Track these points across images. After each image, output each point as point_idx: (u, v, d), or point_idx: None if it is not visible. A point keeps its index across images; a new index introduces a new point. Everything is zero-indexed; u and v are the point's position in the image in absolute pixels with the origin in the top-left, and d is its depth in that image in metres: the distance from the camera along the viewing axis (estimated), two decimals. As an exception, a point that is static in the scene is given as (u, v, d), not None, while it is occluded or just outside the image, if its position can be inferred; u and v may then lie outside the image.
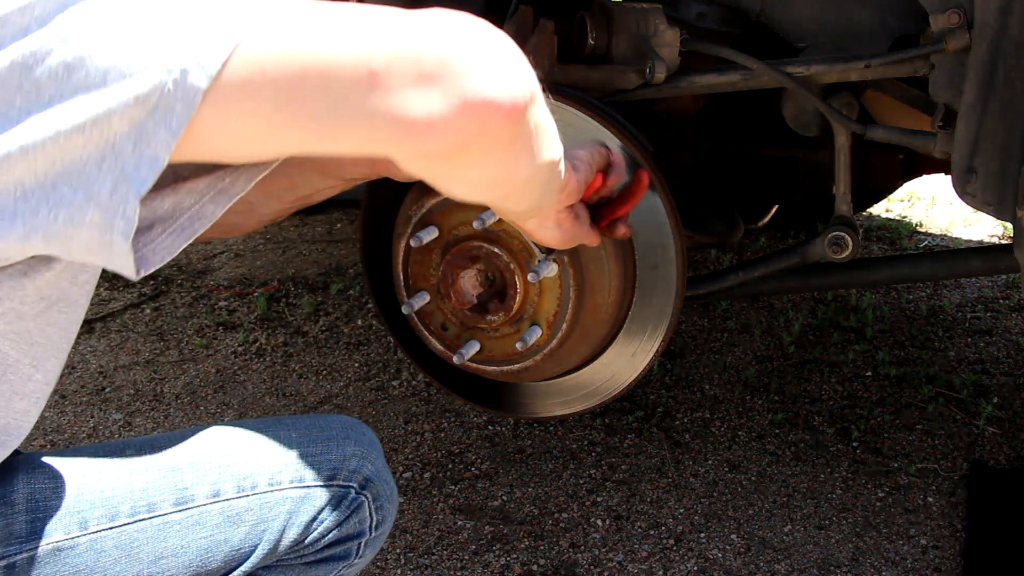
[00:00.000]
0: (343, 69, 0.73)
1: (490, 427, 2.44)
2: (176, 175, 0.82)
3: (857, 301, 3.03)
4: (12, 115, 0.73)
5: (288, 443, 1.13)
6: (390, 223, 1.59)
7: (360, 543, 1.16)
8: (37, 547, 1.00)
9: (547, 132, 0.90)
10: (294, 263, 3.50)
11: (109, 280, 3.36)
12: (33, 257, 0.86)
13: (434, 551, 2.00)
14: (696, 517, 2.08)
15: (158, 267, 0.81)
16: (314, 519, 1.11)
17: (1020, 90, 1.47)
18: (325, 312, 3.10)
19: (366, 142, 0.78)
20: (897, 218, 3.79)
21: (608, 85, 1.68)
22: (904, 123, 1.80)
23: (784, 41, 1.75)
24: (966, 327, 2.88)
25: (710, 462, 2.27)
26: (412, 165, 0.82)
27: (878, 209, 3.84)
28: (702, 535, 2.03)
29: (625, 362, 1.62)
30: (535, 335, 1.48)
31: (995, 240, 3.56)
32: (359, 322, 3.02)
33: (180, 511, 1.06)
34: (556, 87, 1.52)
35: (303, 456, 1.12)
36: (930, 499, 2.12)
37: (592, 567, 1.94)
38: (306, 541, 1.12)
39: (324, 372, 2.74)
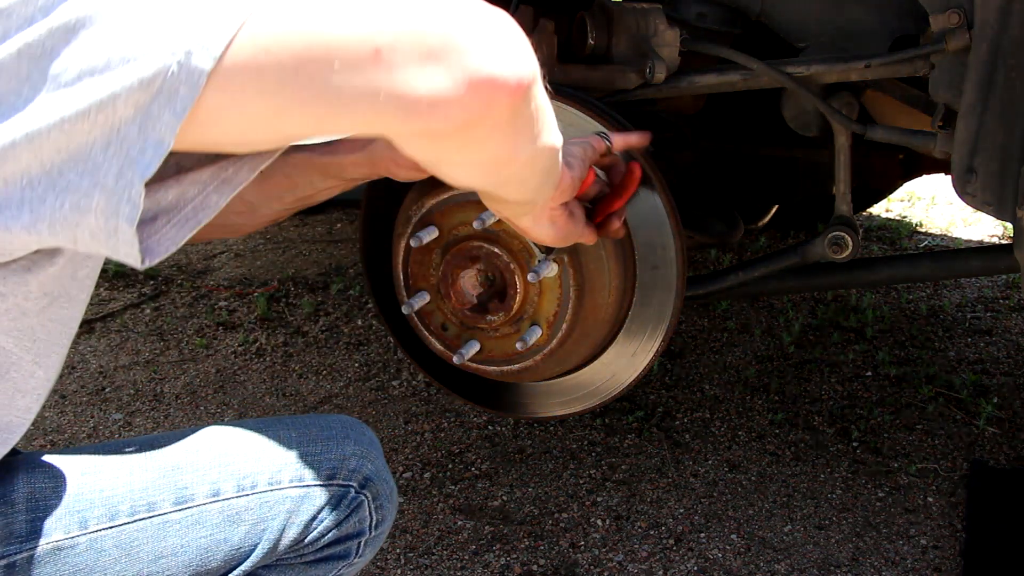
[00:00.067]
0: (347, 48, 0.73)
1: (490, 427, 2.44)
2: (179, 167, 0.82)
3: (857, 301, 3.03)
4: (19, 104, 0.73)
5: (288, 442, 1.13)
6: (390, 223, 1.59)
7: (360, 542, 1.16)
8: (37, 546, 1.00)
9: (547, 117, 0.91)
10: (294, 263, 3.50)
11: (109, 280, 3.36)
12: (37, 252, 0.86)
13: (434, 551, 2.00)
14: (696, 517, 2.08)
15: (163, 257, 0.81)
16: (314, 518, 1.11)
17: (1020, 90, 1.47)
18: (325, 312, 3.10)
19: (370, 122, 0.77)
20: (897, 218, 3.79)
21: (608, 85, 1.68)
22: (904, 123, 1.80)
23: (784, 41, 1.75)
24: (966, 327, 2.88)
25: (710, 462, 2.27)
26: (415, 145, 0.82)
27: (878, 209, 3.84)
28: (702, 535, 2.03)
29: (625, 362, 1.62)
30: (535, 335, 1.48)
31: (995, 240, 3.56)
32: (359, 322, 3.02)
33: (180, 510, 1.06)
34: (556, 87, 1.52)
35: (303, 455, 1.12)
36: (930, 499, 2.12)
37: (592, 567, 1.94)
38: (306, 540, 1.12)
39: (324, 372, 2.74)
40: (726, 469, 2.24)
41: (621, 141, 1.33)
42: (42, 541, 1.00)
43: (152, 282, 3.37)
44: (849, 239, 1.75)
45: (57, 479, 1.04)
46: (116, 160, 0.73)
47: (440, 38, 0.75)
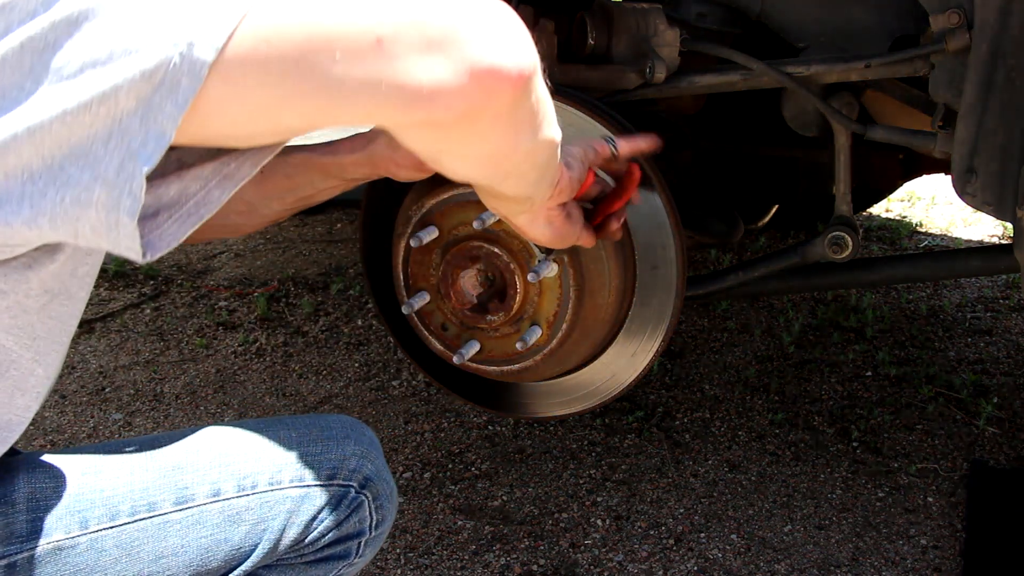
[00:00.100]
0: (349, 39, 0.73)
1: (490, 427, 2.44)
2: (180, 162, 0.82)
3: (857, 301, 3.03)
4: (21, 98, 0.73)
5: (288, 443, 1.13)
6: (390, 223, 1.59)
7: (360, 542, 1.16)
8: (38, 546, 1.00)
9: (548, 110, 0.91)
10: (294, 263, 3.50)
11: (109, 280, 3.36)
12: (37, 249, 0.86)
13: (434, 551, 2.00)
14: (696, 517, 2.08)
15: (164, 252, 0.80)
16: (314, 518, 1.11)
17: (1020, 90, 1.47)
18: (325, 312, 3.10)
19: (372, 112, 0.77)
20: (897, 218, 3.79)
21: (608, 85, 1.68)
22: (904, 123, 1.80)
23: (784, 41, 1.75)
24: (966, 327, 2.88)
25: (710, 462, 2.27)
26: (416, 137, 0.82)
27: (878, 209, 3.84)
28: (702, 535, 2.03)
29: (625, 362, 1.62)
30: (535, 335, 1.48)
31: (995, 240, 3.56)
32: (359, 322, 3.02)
33: (180, 510, 1.06)
34: (556, 87, 1.52)
35: (303, 456, 1.12)
36: (930, 499, 2.12)
37: (592, 567, 1.94)
38: (306, 540, 1.12)
39: (324, 372, 2.74)
40: (726, 469, 2.24)
41: (628, 147, 1.31)
42: (43, 541, 1.00)
43: (152, 282, 3.37)
44: (849, 239, 1.75)
45: (58, 479, 1.04)
46: (117, 153, 0.73)
47: (441, 28, 0.75)
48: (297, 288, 3.28)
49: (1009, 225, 2.24)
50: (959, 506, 2.08)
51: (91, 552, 1.02)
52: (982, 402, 2.43)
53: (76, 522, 1.02)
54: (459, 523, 2.08)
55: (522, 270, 1.45)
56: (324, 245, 3.66)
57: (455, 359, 1.50)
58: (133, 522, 1.04)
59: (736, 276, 1.88)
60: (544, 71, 0.88)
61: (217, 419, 2.52)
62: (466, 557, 1.98)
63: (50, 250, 0.88)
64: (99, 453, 1.09)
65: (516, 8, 1.75)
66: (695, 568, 1.93)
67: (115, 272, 3.42)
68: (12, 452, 1.09)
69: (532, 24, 1.65)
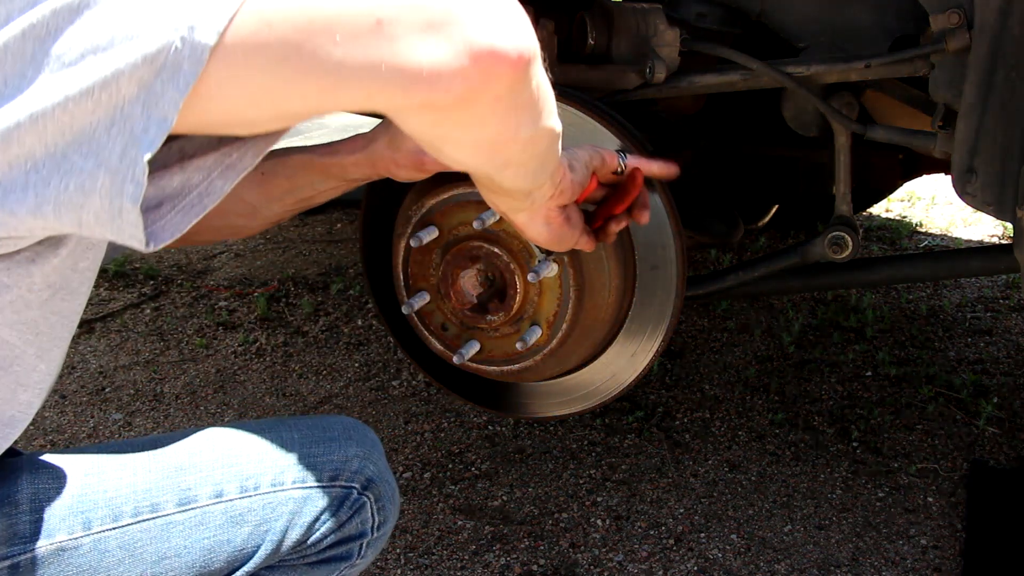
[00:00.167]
0: (349, 20, 0.74)
1: (490, 427, 2.44)
2: (183, 153, 0.83)
3: (857, 301, 3.03)
4: (24, 86, 0.73)
5: (290, 444, 1.13)
6: (390, 223, 1.59)
7: (362, 544, 1.16)
8: (41, 547, 1.00)
9: (548, 98, 0.90)
10: (294, 263, 3.51)
11: (109, 280, 3.36)
12: (40, 243, 0.86)
13: (434, 551, 2.00)
14: (696, 517, 2.08)
15: (168, 243, 0.80)
16: (316, 519, 1.11)
17: (1020, 90, 1.47)
18: (325, 312, 3.10)
19: (372, 95, 0.77)
20: (897, 218, 3.79)
21: (608, 85, 1.68)
22: (904, 123, 1.80)
23: (784, 41, 1.75)
24: (966, 327, 2.88)
25: (710, 462, 2.27)
26: (416, 121, 0.82)
27: (878, 209, 3.84)
28: (702, 535, 2.03)
29: (625, 362, 1.62)
30: (535, 335, 1.48)
31: (995, 240, 3.56)
32: (359, 322, 3.02)
33: (183, 511, 1.06)
34: (556, 87, 1.51)
35: (305, 457, 1.12)
36: (930, 499, 2.12)
37: (592, 567, 1.94)
38: (308, 541, 1.12)
39: (324, 372, 2.74)
40: (726, 469, 2.24)
41: (638, 166, 1.29)
42: (46, 542, 1.00)
43: (152, 282, 3.37)
44: (849, 239, 1.75)
45: (61, 480, 1.04)
46: (120, 139, 0.73)
47: (441, 10, 0.75)
48: (297, 288, 3.28)
49: (1009, 225, 2.24)
50: (959, 506, 2.08)
51: (94, 553, 1.02)
52: (982, 402, 2.43)
53: (79, 523, 1.02)
54: (459, 523, 2.08)
55: (522, 270, 1.45)
56: (324, 245, 3.66)
57: (455, 359, 1.50)
58: (136, 523, 1.04)
59: (736, 276, 1.88)
60: (544, 60, 0.88)
61: (217, 419, 2.53)
62: (466, 557, 1.98)
63: (53, 244, 0.88)
64: (102, 454, 1.09)
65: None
66: (695, 568, 1.93)
67: (115, 272, 3.42)
68: (14, 453, 1.09)
69: (532, 24, 1.65)
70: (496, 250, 1.44)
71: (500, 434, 2.41)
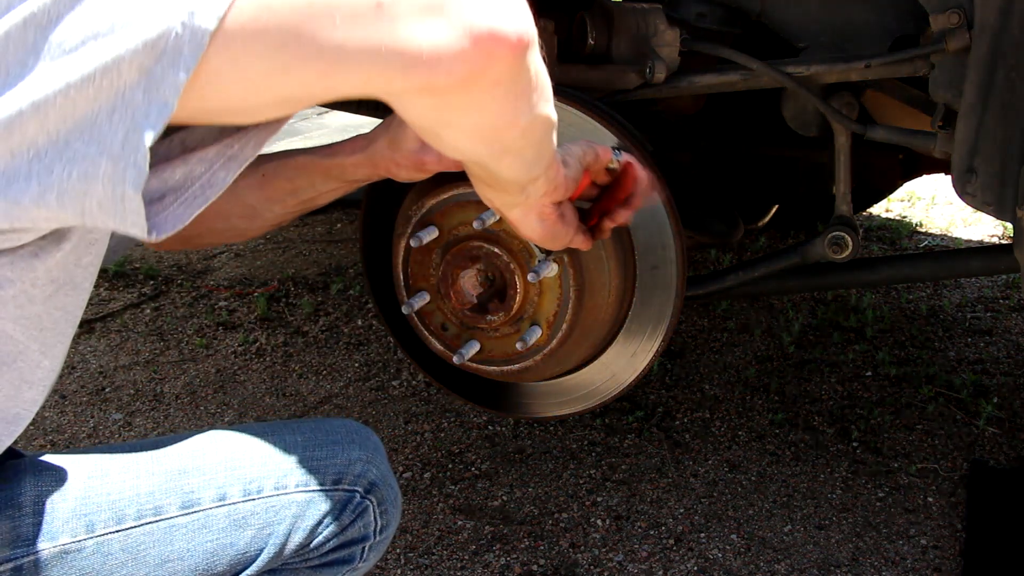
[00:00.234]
0: (349, 3, 0.74)
1: (490, 427, 2.44)
2: (184, 146, 0.83)
3: (857, 301, 3.03)
4: (25, 74, 0.73)
5: (293, 447, 1.13)
6: (390, 223, 1.59)
7: (364, 547, 1.16)
8: (44, 550, 1.00)
9: (546, 85, 0.91)
10: (294, 263, 3.51)
11: (109, 280, 3.36)
12: (44, 237, 0.86)
13: (434, 551, 2.00)
14: (696, 517, 2.08)
15: (170, 233, 0.80)
16: (319, 523, 1.11)
17: (1020, 90, 1.47)
18: (325, 312, 3.10)
19: (372, 78, 0.77)
20: (897, 218, 3.79)
21: (608, 85, 1.68)
22: (904, 123, 1.80)
23: (784, 41, 1.75)
24: (966, 327, 2.88)
25: (710, 462, 2.27)
26: (416, 105, 0.82)
27: (878, 209, 3.84)
28: (702, 535, 2.03)
29: (625, 362, 1.62)
30: (535, 335, 1.48)
31: (995, 240, 3.56)
32: (359, 322, 3.02)
33: (186, 514, 1.06)
34: (556, 87, 1.51)
35: (308, 460, 1.12)
36: (930, 499, 2.12)
37: (592, 567, 1.94)
38: (311, 545, 1.12)
39: (324, 372, 2.74)
40: (726, 469, 2.24)
41: (629, 166, 1.28)
42: (49, 544, 1.00)
43: (152, 282, 3.37)
44: (849, 239, 1.75)
45: (64, 482, 1.04)
46: (122, 126, 0.73)
47: None
48: (297, 288, 3.28)
49: (1009, 225, 2.24)
50: (959, 506, 2.08)
51: (97, 556, 1.02)
52: (982, 402, 2.43)
53: (82, 526, 1.02)
54: (459, 523, 2.08)
55: (522, 270, 1.44)
56: (324, 245, 3.66)
57: (455, 359, 1.50)
58: (139, 526, 1.04)
59: (736, 276, 1.88)
60: (542, 48, 0.88)
61: (217, 419, 2.53)
62: (466, 557, 1.98)
63: (56, 239, 0.88)
64: (105, 456, 1.09)
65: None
66: (695, 568, 1.93)
67: (115, 272, 3.41)
68: (16, 454, 1.09)
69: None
70: (496, 250, 1.44)
71: (500, 434, 2.41)
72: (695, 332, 2.89)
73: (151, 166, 0.79)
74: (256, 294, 3.23)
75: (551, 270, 1.42)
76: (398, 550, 2.00)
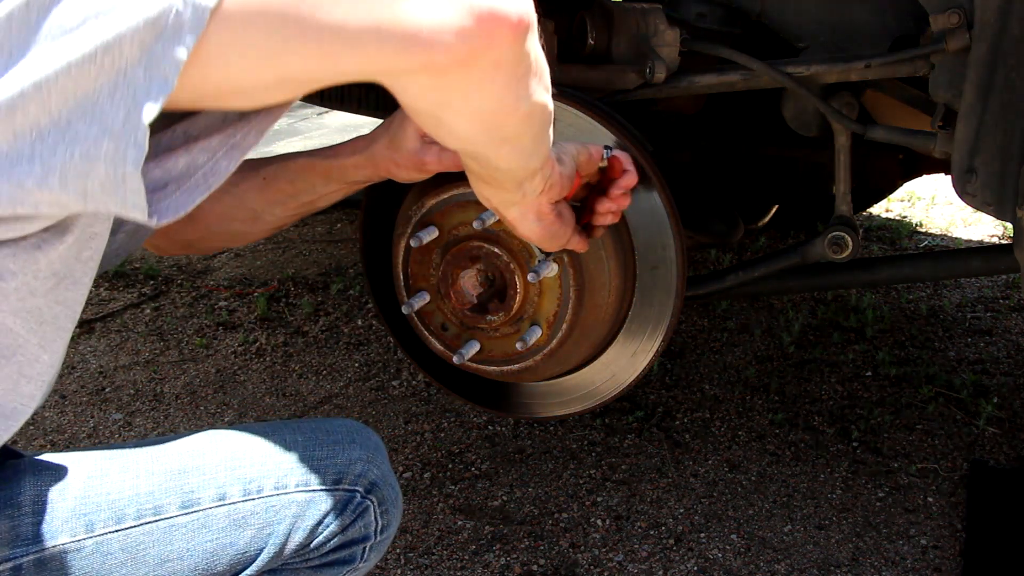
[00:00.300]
0: None
1: (490, 427, 2.44)
2: (187, 135, 0.83)
3: (857, 301, 3.03)
4: (28, 54, 0.73)
5: (294, 447, 1.13)
6: (390, 223, 1.59)
7: (365, 547, 1.16)
8: (43, 549, 1.00)
9: (545, 71, 0.91)
10: (294, 263, 3.51)
11: (109, 280, 3.36)
12: (46, 230, 0.86)
13: (434, 551, 2.00)
14: (696, 517, 2.08)
15: (171, 220, 0.81)
16: (319, 523, 1.11)
17: (1020, 90, 1.47)
18: (325, 312, 3.10)
19: (373, 58, 0.77)
20: (897, 218, 3.79)
21: (608, 85, 1.68)
22: (904, 123, 1.80)
23: (784, 41, 1.75)
24: (966, 327, 2.88)
25: (710, 462, 2.27)
26: (417, 87, 0.82)
27: (878, 209, 3.84)
28: (702, 535, 2.03)
29: (625, 362, 1.62)
30: (535, 335, 1.48)
31: (995, 240, 3.56)
32: (359, 322, 3.02)
33: (186, 514, 1.06)
34: (556, 87, 1.51)
35: (309, 460, 1.12)
36: (930, 499, 2.12)
37: (592, 567, 1.94)
38: (311, 545, 1.12)
39: (324, 372, 2.74)
40: (726, 469, 2.24)
41: (618, 163, 1.27)
42: (48, 544, 1.00)
43: (152, 282, 3.37)
44: (849, 239, 1.75)
45: (63, 482, 1.04)
46: (123, 104, 0.73)
47: None
48: (297, 288, 3.28)
49: (1009, 225, 2.24)
50: (959, 506, 2.08)
51: (96, 555, 1.02)
52: (982, 402, 2.43)
53: (82, 525, 1.02)
54: (459, 523, 2.08)
55: (522, 270, 1.45)
56: (324, 245, 3.66)
57: (455, 359, 1.50)
58: (139, 526, 1.04)
59: (736, 276, 1.88)
60: (540, 36, 0.88)
61: (217, 419, 2.53)
62: (466, 557, 1.98)
63: (59, 231, 0.88)
64: (105, 456, 1.09)
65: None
66: (695, 568, 1.93)
67: (115, 272, 3.41)
68: (16, 454, 1.08)
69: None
70: (496, 250, 1.44)
71: (500, 434, 2.41)
72: (695, 332, 2.89)
73: (154, 156, 0.79)
74: (256, 294, 3.23)
75: (551, 270, 1.43)
76: (398, 550, 2.00)
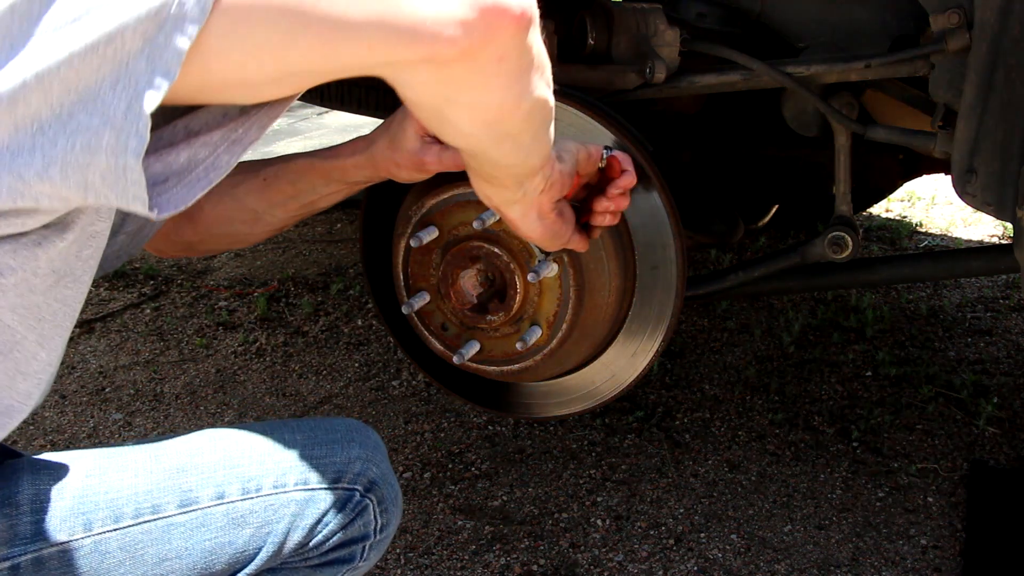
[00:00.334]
0: None
1: (490, 427, 2.44)
2: (188, 130, 0.83)
3: (857, 301, 3.03)
4: (29, 45, 0.73)
5: (293, 445, 1.13)
6: (390, 223, 1.59)
7: (365, 546, 1.16)
8: (41, 548, 1.00)
9: (547, 66, 0.91)
10: (294, 263, 3.50)
11: (109, 280, 3.36)
12: (47, 227, 0.86)
13: (434, 551, 2.00)
14: (696, 517, 2.08)
15: (172, 213, 0.81)
16: (318, 522, 1.11)
17: (1020, 90, 1.47)
18: (325, 312, 3.10)
19: (375, 48, 0.77)
20: (897, 218, 3.79)
21: (608, 85, 1.68)
22: (904, 123, 1.80)
23: (784, 41, 1.75)
24: (966, 327, 2.88)
25: (710, 462, 2.27)
26: (419, 80, 0.82)
27: (878, 209, 3.84)
28: (702, 535, 2.03)
29: (625, 362, 1.62)
30: (535, 335, 1.48)
31: (995, 240, 3.56)
32: (359, 322, 3.02)
33: (184, 513, 1.06)
34: (556, 87, 1.51)
35: (308, 458, 1.12)
36: (930, 499, 2.12)
37: (592, 567, 1.94)
38: (310, 544, 1.11)
39: (324, 372, 2.74)
40: (726, 469, 2.24)
41: (616, 164, 1.27)
42: (47, 543, 1.00)
43: (152, 282, 3.37)
44: (849, 239, 1.75)
45: (62, 481, 1.04)
46: (125, 95, 0.73)
47: None
48: (297, 288, 3.28)
49: (1009, 225, 2.24)
50: (959, 506, 2.08)
51: (95, 554, 1.02)
52: (982, 402, 2.43)
53: (80, 524, 1.02)
54: (459, 523, 2.08)
55: (522, 270, 1.45)
56: (324, 245, 3.66)
57: (455, 359, 1.50)
58: (137, 524, 1.04)
59: (736, 276, 1.88)
60: (543, 32, 0.88)
61: (217, 419, 2.53)
62: (466, 557, 1.98)
63: (60, 228, 0.88)
64: (103, 455, 1.09)
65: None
66: (695, 568, 1.93)
67: (115, 272, 3.42)
68: (15, 454, 1.08)
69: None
70: (496, 250, 1.45)
71: (500, 434, 2.41)
72: (695, 332, 2.89)
73: (154, 151, 0.79)
74: (256, 294, 3.23)
75: (551, 270, 1.43)
76: (398, 550, 2.00)
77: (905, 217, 3.79)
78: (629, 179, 1.28)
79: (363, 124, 4.82)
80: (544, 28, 1.64)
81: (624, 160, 1.28)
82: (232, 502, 1.08)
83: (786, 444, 2.33)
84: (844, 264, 1.81)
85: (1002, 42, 1.46)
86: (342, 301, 3.17)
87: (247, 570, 1.10)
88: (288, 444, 1.13)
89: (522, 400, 1.74)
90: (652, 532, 2.04)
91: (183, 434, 1.14)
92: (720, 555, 1.97)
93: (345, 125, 5.43)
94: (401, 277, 1.54)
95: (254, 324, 3.03)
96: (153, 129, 0.76)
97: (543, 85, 0.91)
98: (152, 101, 0.73)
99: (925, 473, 2.20)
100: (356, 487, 1.14)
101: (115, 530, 1.03)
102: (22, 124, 0.74)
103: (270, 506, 1.09)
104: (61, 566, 1.01)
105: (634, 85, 1.67)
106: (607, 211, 1.29)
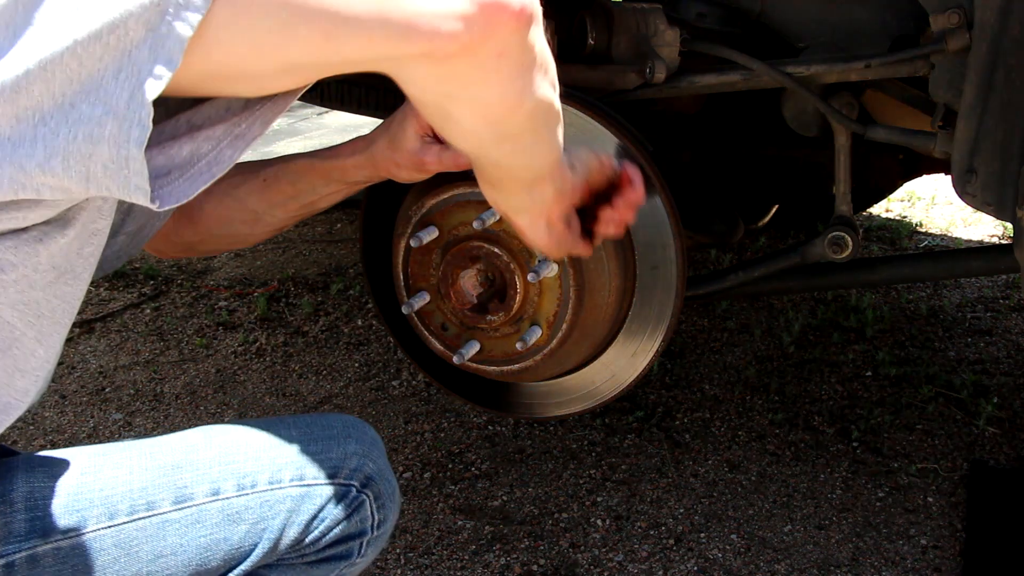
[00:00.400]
0: None
1: (490, 427, 2.44)
2: (191, 124, 0.83)
3: (857, 301, 3.03)
4: (32, 32, 0.73)
5: (289, 441, 1.13)
6: (390, 223, 1.59)
7: (362, 542, 1.16)
8: (36, 546, 1.00)
9: (551, 65, 0.91)
10: (294, 263, 3.50)
11: (109, 280, 3.36)
12: (48, 223, 0.86)
13: (434, 551, 2.00)
14: (696, 517, 2.08)
15: (174, 206, 0.80)
16: (315, 518, 1.11)
17: (1020, 90, 1.47)
18: (325, 312, 3.10)
19: (376, 42, 0.77)
20: (897, 218, 3.79)
21: (608, 85, 1.67)
22: (904, 123, 1.80)
23: (784, 41, 1.75)
24: (966, 327, 2.88)
25: (710, 462, 2.27)
26: (420, 75, 0.82)
27: (878, 209, 3.84)
28: (702, 535, 2.03)
29: (625, 362, 1.62)
30: (535, 335, 1.48)
31: (995, 240, 3.56)
32: (359, 322, 3.02)
33: (179, 509, 1.06)
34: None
35: (304, 454, 1.12)
36: (930, 499, 2.12)
37: (592, 567, 1.94)
38: (307, 540, 1.11)
39: (324, 372, 2.74)
40: (726, 469, 2.24)
41: (626, 175, 1.27)
42: (41, 540, 1.00)
43: (152, 282, 3.37)
44: (849, 239, 1.75)
45: (56, 478, 1.04)
46: (127, 84, 0.73)
47: None
48: (297, 288, 3.28)
49: (1009, 225, 2.24)
50: (959, 506, 2.08)
51: (89, 551, 1.02)
52: (982, 402, 2.43)
53: (74, 521, 1.02)
54: (459, 523, 2.08)
55: (522, 270, 1.45)
56: (324, 245, 3.66)
57: (455, 359, 1.50)
58: (132, 521, 1.04)
59: (736, 276, 1.88)
60: (546, 30, 0.88)
61: (217, 419, 2.53)
62: (466, 557, 1.98)
63: (61, 225, 0.88)
64: (98, 453, 1.09)
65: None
66: (695, 568, 1.93)
67: (115, 272, 3.42)
68: (11, 452, 1.08)
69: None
70: (496, 250, 1.45)
71: (500, 434, 2.41)
72: (695, 332, 2.89)
73: (157, 143, 0.79)
74: (256, 294, 3.23)
75: (551, 270, 1.43)
76: (398, 550, 2.00)
77: (905, 217, 3.79)
78: (638, 196, 1.26)
79: (363, 124, 4.82)
80: (544, 28, 1.65)
81: (634, 175, 1.27)
82: (227, 498, 1.08)
83: (786, 444, 2.33)
84: (844, 264, 1.81)
85: (1002, 42, 1.46)
86: (342, 301, 3.17)
87: (243, 567, 1.09)
88: (284, 440, 1.13)
89: (522, 400, 1.74)
90: (652, 532, 2.04)
91: (178, 431, 1.14)
92: (720, 555, 1.97)
93: (345, 125, 5.43)
94: (401, 277, 1.54)
95: (254, 324, 3.03)
96: (156, 123, 0.75)
97: (546, 85, 0.90)
98: (154, 90, 0.73)
99: (925, 473, 2.20)
100: (353, 483, 1.13)
101: (110, 527, 1.03)
102: (24, 115, 0.74)
103: (265, 502, 1.09)
104: (56, 563, 1.01)
105: (634, 85, 1.67)
106: (611, 220, 1.28)
